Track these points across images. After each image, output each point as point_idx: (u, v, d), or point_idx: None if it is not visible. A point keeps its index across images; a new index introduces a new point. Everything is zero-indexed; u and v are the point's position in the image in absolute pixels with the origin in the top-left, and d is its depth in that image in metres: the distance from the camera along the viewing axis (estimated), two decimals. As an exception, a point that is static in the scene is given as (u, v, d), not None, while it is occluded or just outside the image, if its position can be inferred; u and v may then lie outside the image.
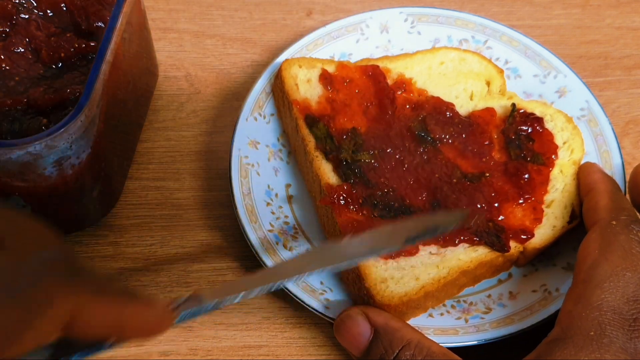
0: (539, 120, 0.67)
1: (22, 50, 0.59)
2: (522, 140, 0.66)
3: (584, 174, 0.63)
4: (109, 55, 0.54)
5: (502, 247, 0.59)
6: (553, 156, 0.65)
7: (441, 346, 0.53)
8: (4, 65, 0.58)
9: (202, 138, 0.72)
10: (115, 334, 0.38)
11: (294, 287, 0.58)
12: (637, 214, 0.57)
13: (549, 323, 0.56)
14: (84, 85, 0.52)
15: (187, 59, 0.78)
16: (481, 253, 0.59)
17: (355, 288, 0.58)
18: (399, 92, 0.68)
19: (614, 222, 0.55)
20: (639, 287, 0.50)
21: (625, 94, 0.78)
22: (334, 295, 0.59)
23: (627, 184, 0.63)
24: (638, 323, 0.49)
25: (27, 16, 0.61)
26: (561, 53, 0.79)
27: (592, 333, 0.48)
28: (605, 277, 0.51)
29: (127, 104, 0.64)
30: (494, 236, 0.59)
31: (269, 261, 0.59)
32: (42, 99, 0.56)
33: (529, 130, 0.67)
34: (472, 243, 0.59)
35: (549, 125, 0.68)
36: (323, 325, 0.62)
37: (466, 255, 0.59)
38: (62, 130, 0.50)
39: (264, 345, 0.61)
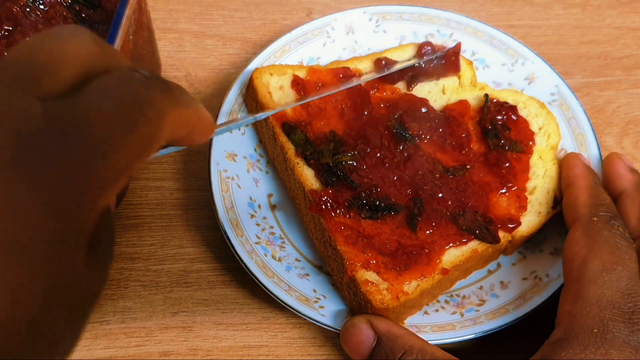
0: (513, 109, 0.68)
1: None
2: (499, 129, 0.66)
3: (566, 167, 0.63)
4: None
5: (493, 239, 0.59)
6: (530, 143, 0.66)
7: (445, 352, 0.53)
8: None
9: (202, 138, 0.72)
10: (187, 138, 0.39)
11: (288, 298, 0.58)
12: (615, 208, 0.58)
13: (545, 313, 0.56)
14: None
15: (187, 59, 0.78)
16: (471, 246, 0.59)
17: (351, 293, 0.57)
18: (372, 92, 0.68)
19: (595, 219, 0.56)
20: (631, 280, 0.51)
21: (625, 94, 0.78)
22: (328, 302, 0.59)
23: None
24: (636, 315, 0.49)
25: (32, 18, 0.61)
26: (561, 53, 0.80)
27: (595, 330, 0.49)
28: (598, 273, 0.52)
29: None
30: (484, 229, 0.59)
31: (260, 275, 0.58)
32: None
33: (504, 119, 0.67)
34: (461, 243, 0.59)
35: (522, 112, 0.68)
36: (323, 325, 0.62)
37: (457, 249, 0.59)
38: None
39: (264, 345, 0.61)
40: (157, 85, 0.34)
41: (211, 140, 0.65)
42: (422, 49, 0.71)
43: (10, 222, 0.27)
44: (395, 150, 0.63)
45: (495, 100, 0.68)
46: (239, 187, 0.64)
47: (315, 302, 0.59)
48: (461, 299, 0.61)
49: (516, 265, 0.63)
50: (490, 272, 0.63)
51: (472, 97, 0.69)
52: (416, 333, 0.55)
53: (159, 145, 0.34)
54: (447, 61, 0.69)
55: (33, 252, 0.28)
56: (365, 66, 0.70)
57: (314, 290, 0.60)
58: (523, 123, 0.67)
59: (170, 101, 0.34)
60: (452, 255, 0.59)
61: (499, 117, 0.67)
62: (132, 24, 0.59)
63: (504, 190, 0.63)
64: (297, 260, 0.62)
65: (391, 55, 0.71)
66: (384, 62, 0.70)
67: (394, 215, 0.60)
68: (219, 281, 0.64)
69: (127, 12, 0.57)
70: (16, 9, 0.60)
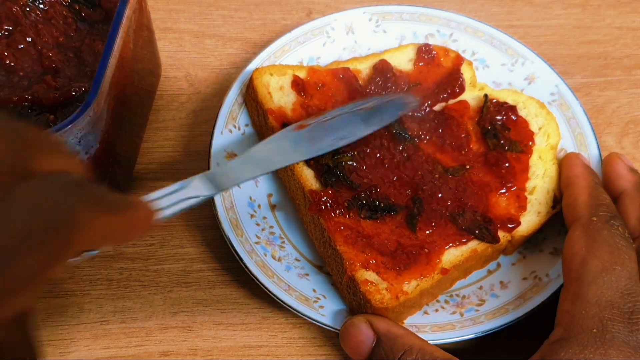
0: (513, 109, 0.68)
1: (24, 46, 0.60)
2: (498, 129, 0.66)
3: (565, 167, 0.63)
4: (115, 51, 0.55)
5: (493, 239, 0.59)
6: (530, 143, 0.66)
7: (444, 352, 0.53)
8: (7, 61, 0.59)
9: (202, 138, 0.72)
10: (119, 240, 0.37)
11: (288, 298, 0.58)
12: (615, 208, 0.58)
13: (545, 313, 0.56)
14: (89, 81, 0.53)
15: (187, 59, 0.78)
16: (471, 245, 0.59)
17: (351, 293, 0.57)
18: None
19: (595, 219, 0.56)
20: (630, 280, 0.51)
21: (625, 94, 0.78)
22: (328, 302, 0.59)
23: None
24: (635, 316, 0.49)
25: (32, 17, 0.61)
26: (561, 53, 0.80)
27: (594, 330, 0.49)
28: (597, 274, 0.52)
29: (132, 102, 0.64)
30: (484, 229, 0.59)
31: (259, 275, 0.58)
32: (47, 98, 0.56)
33: (504, 119, 0.67)
34: (460, 243, 0.59)
35: (522, 112, 0.68)
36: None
37: (457, 249, 0.59)
38: (71, 125, 0.50)
39: (264, 345, 0.61)
40: (79, 195, 0.32)
41: (211, 140, 0.65)
42: (421, 51, 0.71)
43: None
44: (394, 151, 0.63)
45: (495, 100, 0.68)
46: (239, 186, 0.64)
47: (315, 301, 0.59)
48: (461, 298, 0.61)
49: (516, 265, 0.63)
50: (490, 272, 0.63)
51: (472, 97, 0.69)
52: (416, 333, 0.56)
53: (75, 253, 0.32)
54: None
55: None
56: (365, 66, 0.70)
57: (314, 290, 0.60)
58: (523, 123, 0.67)
59: (91, 213, 0.33)
60: (451, 255, 0.59)
61: (499, 117, 0.67)
62: (132, 23, 0.59)
63: (503, 190, 0.63)
64: (296, 260, 0.62)
65: (391, 56, 0.71)
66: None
67: (394, 215, 0.60)
68: (219, 281, 0.64)
69: (127, 11, 0.57)
70: (16, 9, 0.60)
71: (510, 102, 0.68)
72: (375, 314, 0.56)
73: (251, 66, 0.69)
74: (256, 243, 0.61)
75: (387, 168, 0.62)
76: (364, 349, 0.54)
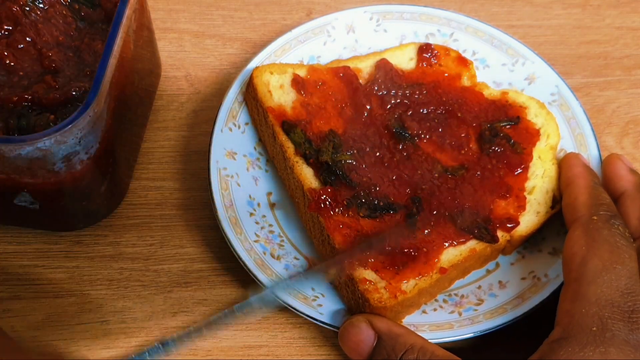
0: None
1: (24, 46, 0.60)
2: (498, 129, 0.66)
3: (565, 167, 0.63)
4: (115, 51, 0.55)
5: (492, 239, 0.59)
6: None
7: (445, 350, 0.53)
8: (7, 61, 0.59)
9: (202, 138, 0.72)
10: None
11: (286, 296, 0.58)
12: (615, 208, 0.58)
13: (544, 313, 0.56)
14: (89, 81, 0.53)
15: (187, 59, 0.78)
16: (470, 245, 0.60)
17: (349, 291, 0.58)
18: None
19: (595, 218, 0.56)
20: (631, 279, 0.51)
21: (625, 94, 0.78)
22: (326, 300, 0.59)
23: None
24: (635, 314, 0.49)
25: (32, 17, 0.61)
26: (561, 53, 0.80)
27: (594, 329, 0.49)
28: (597, 273, 0.52)
29: (132, 102, 0.64)
30: (482, 228, 0.59)
31: (258, 273, 0.59)
32: (47, 98, 0.56)
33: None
34: (459, 242, 0.59)
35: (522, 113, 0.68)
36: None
37: (455, 249, 0.59)
38: (71, 125, 0.51)
39: (264, 345, 0.61)
40: None
41: (211, 138, 0.65)
42: (422, 50, 0.71)
43: None
44: (394, 150, 0.63)
45: (495, 100, 0.68)
46: (239, 185, 0.64)
47: (314, 300, 0.59)
48: (459, 298, 0.61)
49: (515, 265, 0.63)
50: (488, 271, 0.63)
51: (472, 96, 0.69)
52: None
53: None
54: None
55: None
56: (366, 65, 0.70)
57: (312, 289, 0.60)
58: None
59: None
60: (450, 254, 0.59)
61: (499, 117, 0.67)
62: (132, 23, 0.59)
63: (502, 190, 0.63)
64: (295, 258, 0.62)
65: (392, 55, 0.71)
66: None
67: (393, 214, 0.60)
68: (219, 281, 0.64)
69: (127, 11, 0.57)
70: (16, 9, 0.60)
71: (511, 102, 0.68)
72: (374, 313, 0.56)
73: (252, 65, 0.69)
74: (255, 241, 0.61)
75: (386, 167, 0.62)
76: (363, 349, 0.54)
